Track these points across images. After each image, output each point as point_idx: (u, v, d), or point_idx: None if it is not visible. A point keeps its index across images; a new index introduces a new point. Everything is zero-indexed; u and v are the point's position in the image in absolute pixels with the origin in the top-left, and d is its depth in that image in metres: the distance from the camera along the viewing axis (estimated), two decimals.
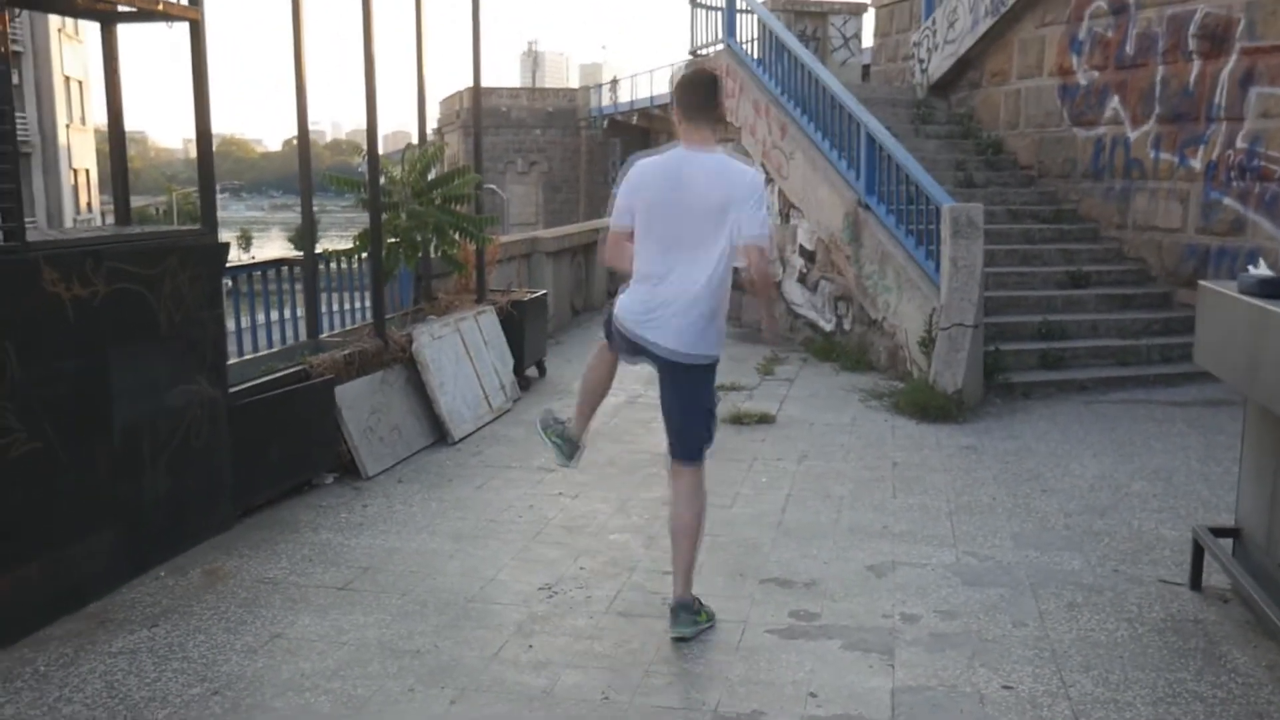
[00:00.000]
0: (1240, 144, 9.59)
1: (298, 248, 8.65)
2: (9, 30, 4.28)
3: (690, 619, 4.38)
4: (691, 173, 4.19)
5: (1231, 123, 9.68)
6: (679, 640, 4.33)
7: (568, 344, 11.84)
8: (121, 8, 5.11)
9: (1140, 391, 8.98)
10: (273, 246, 72.00)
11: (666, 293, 4.23)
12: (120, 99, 5.30)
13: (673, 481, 4.47)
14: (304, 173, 7.18)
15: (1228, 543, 4.81)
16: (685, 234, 4.19)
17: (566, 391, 9.24)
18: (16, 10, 4.43)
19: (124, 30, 5.37)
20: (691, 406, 4.42)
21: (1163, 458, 7.10)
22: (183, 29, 5.18)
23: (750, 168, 4.37)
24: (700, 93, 4.27)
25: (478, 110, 9.91)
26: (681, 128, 4.27)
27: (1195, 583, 4.89)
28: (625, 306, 4.37)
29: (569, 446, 4.73)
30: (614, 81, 47.08)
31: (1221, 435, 7.56)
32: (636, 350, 4.41)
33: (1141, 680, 4.00)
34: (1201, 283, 4.81)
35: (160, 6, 5.07)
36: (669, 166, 4.24)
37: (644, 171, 4.29)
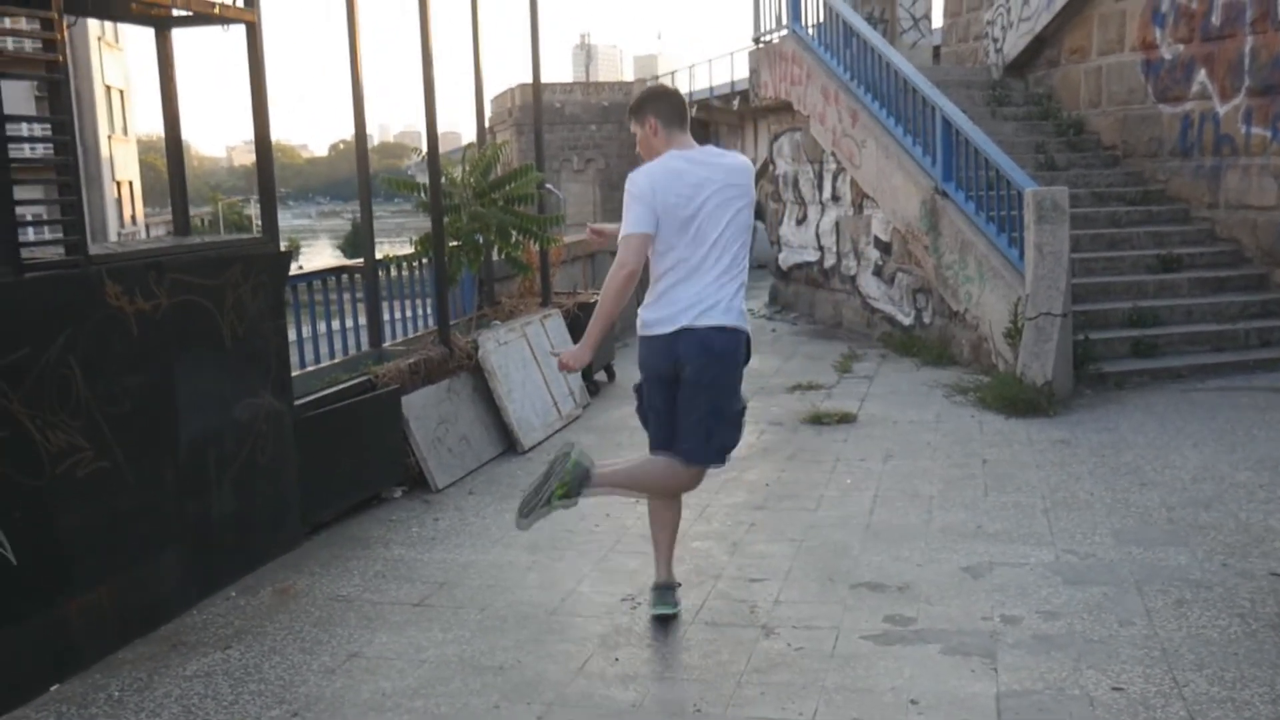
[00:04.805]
0: None
1: (348, 256, 8.55)
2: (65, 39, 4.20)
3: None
4: (709, 166, 4.24)
5: None
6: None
7: (635, 346, 11.67)
8: (176, 12, 5.05)
9: (1239, 378, 8.63)
10: (321, 255, 71.17)
11: (714, 282, 4.21)
12: (177, 105, 5.26)
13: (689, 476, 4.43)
14: (363, 178, 7.09)
15: None
16: (720, 234, 4.21)
17: None
18: (72, 18, 4.34)
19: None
20: (721, 399, 4.31)
21: (1267, 446, 6.79)
22: (238, 32, 5.09)
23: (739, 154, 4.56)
24: (680, 103, 4.39)
25: (538, 106, 9.77)
26: (662, 138, 4.29)
27: None
28: (665, 315, 4.26)
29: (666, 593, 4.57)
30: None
31: None
32: (660, 362, 4.32)
33: (1259, 678, 3.83)
34: None
35: (216, 10, 4.99)
36: (684, 170, 4.21)
37: (661, 178, 4.20)
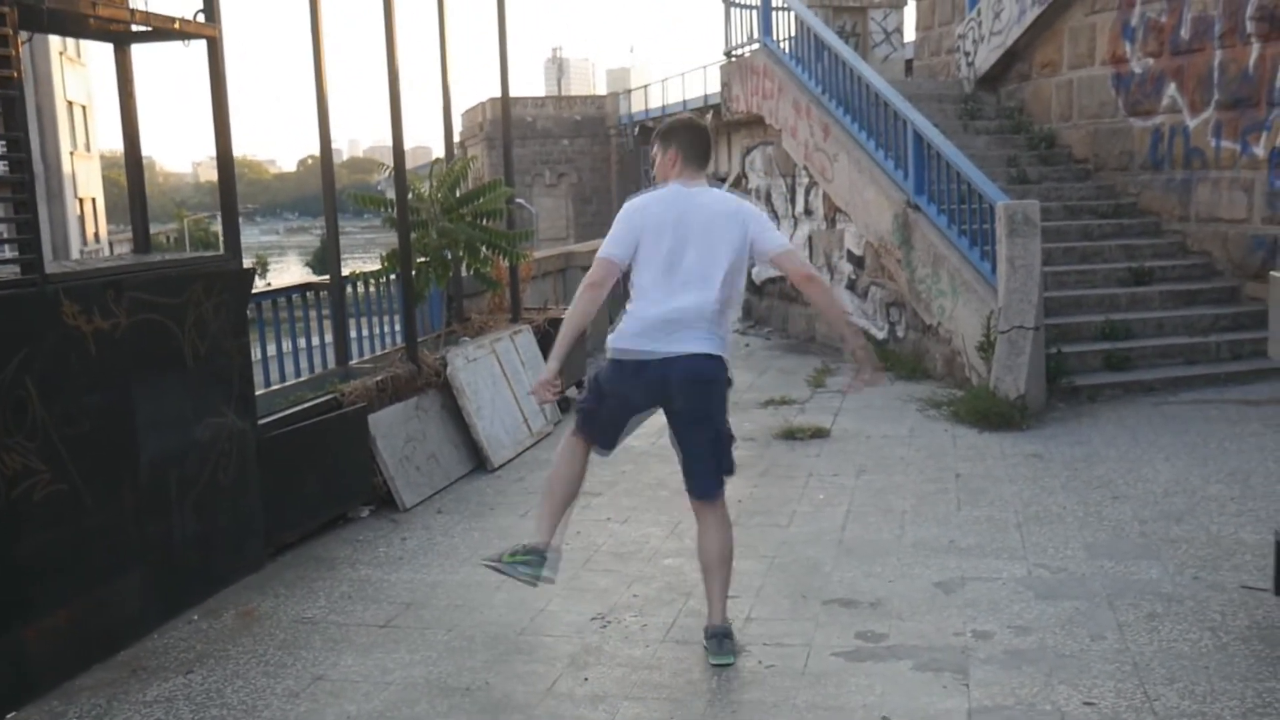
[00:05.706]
0: None
1: (317, 273, 8.48)
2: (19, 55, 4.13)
3: (732, 645, 4.31)
4: (699, 204, 4.25)
5: None
6: (722, 667, 4.24)
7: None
8: (136, 28, 5.00)
9: (1211, 391, 8.65)
10: (290, 272, 70.36)
11: (684, 312, 4.18)
12: (136, 122, 5.21)
13: (700, 516, 4.36)
14: (328, 194, 7.03)
15: None
16: (695, 261, 4.19)
17: None
18: (28, 34, 4.28)
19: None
20: (721, 423, 4.33)
21: (1238, 459, 6.81)
22: (199, 48, 5.04)
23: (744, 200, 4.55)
24: (705, 142, 4.39)
25: (507, 121, 9.74)
26: (676, 169, 4.32)
27: None
28: (638, 329, 4.22)
29: (537, 558, 4.38)
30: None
31: None
32: (641, 397, 4.29)
33: (1229, 691, 3.85)
34: (1273, 273, 4.59)
35: (177, 25, 4.95)
36: (673, 200, 4.26)
37: (648, 206, 4.28)
